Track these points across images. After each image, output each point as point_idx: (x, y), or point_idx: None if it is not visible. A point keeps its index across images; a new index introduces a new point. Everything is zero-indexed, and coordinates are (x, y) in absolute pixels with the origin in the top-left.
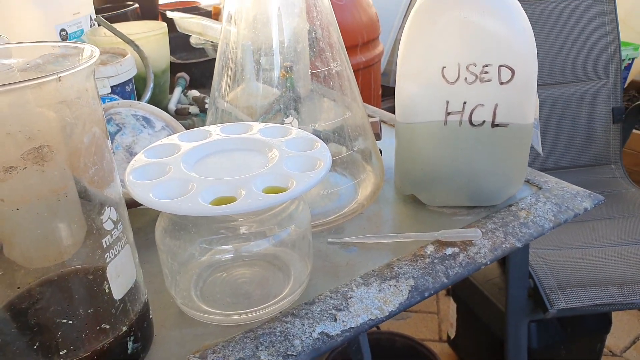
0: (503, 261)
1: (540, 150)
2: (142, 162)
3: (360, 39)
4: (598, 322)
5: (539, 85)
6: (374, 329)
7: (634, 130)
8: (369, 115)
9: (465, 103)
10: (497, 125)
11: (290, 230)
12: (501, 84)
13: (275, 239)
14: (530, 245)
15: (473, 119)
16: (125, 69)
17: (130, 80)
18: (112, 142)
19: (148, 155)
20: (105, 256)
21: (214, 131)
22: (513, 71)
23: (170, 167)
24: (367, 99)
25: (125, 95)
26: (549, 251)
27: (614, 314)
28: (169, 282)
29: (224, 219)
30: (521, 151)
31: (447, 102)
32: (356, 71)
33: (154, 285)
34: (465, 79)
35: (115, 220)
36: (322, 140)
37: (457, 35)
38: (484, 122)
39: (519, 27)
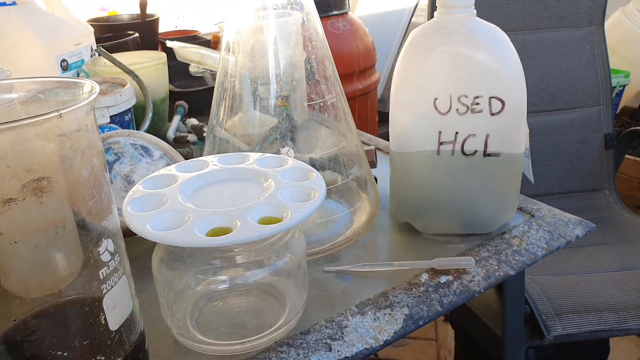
0: (500, 287)
1: (531, 178)
2: (139, 193)
3: (357, 66)
4: (596, 349)
5: (533, 112)
6: (372, 356)
7: (627, 156)
8: (364, 143)
9: (457, 133)
10: (489, 155)
11: (285, 259)
12: (492, 114)
13: (270, 269)
14: (527, 271)
15: (465, 148)
16: (125, 99)
17: (129, 109)
18: (110, 171)
19: (146, 186)
20: (102, 287)
21: (211, 161)
22: (503, 102)
23: (168, 197)
24: (364, 125)
25: (124, 125)
26: (545, 277)
27: (612, 339)
28: (165, 312)
29: (219, 249)
30: (513, 180)
31: (440, 132)
32: (353, 98)
33: (150, 314)
34: (457, 110)
35: (112, 251)
36: (318, 168)
37: (448, 68)
38: (475, 151)
39: (508, 60)
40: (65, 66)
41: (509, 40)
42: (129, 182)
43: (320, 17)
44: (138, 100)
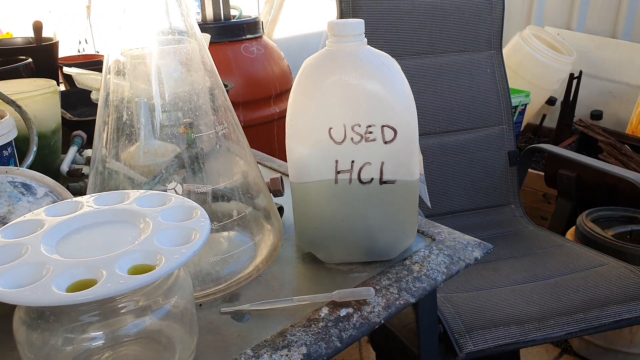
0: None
1: (428, 203)
2: None
3: (273, 90)
4: (508, 358)
5: (439, 133)
6: None
7: (531, 170)
8: (274, 170)
9: (353, 162)
10: (385, 182)
11: (169, 305)
12: (385, 142)
13: (152, 317)
14: (439, 289)
15: (362, 176)
16: (2, 132)
17: (9, 143)
18: None
19: (5, 235)
20: None
21: (86, 202)
22: (395, 131)
23: (28, 247)
24: (282, 149)
25: (2, 161)
26: (457, 295)
27: (524, 349)
28: None
29: (88, 303)
30: (410, 206)
31: (337, 161)
32: (271, 122)
33: None
34: (352, 138)
35: None
36: (221, 199)
37: (340, 97)
38: (372, 179)
39: (398, 88)
40: None
41: (399, 68)
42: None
43: (234, 41)
44: (22, 133)
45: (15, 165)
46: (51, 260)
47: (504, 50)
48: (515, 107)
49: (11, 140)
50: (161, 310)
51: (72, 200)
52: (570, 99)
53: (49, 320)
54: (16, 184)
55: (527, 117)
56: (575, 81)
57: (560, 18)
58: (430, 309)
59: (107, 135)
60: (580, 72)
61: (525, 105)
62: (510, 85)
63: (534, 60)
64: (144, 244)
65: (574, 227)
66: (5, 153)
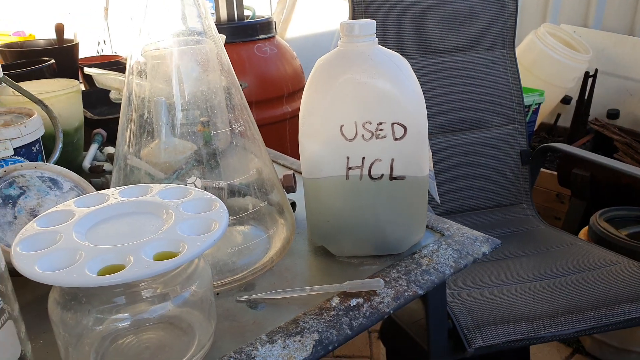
0: (425, 303)
1: (437, 199)
2: (32, 232)
3: (285, 90)
4: (517, 357)
5: (452, 132)
6: None
7: (543, 170)
8: (286, 167)
9: (364, 158)
10: (395, 178)
11: (189, 293)
12: (395, 139)
13: (174, 302)
14: (449, 286)
15: (372, 172)
16: (30, 130)
17: (37, 140)
18: (14, 206)
19: (40, 224)
20: None
21: (111, 194)
22: (405, 128)
23: (61, 235)
24: (295, 147)
25: (31, 157)
26: (467, 291)
27: (534, 347)
28: (64, 355)
29: (118, 286)
30: (419, 201)
31: (348, 157)
32: (283, 121)
33: (52, 356)
34: (363, 136)
35: None
36: (237, 194)
37: (351, 95)
38: (382, 175)
39: (408, 87)
40: None
41: (410, 67)
42: (35, 217)
43: (247, 41)
44: (48, 130)
45: (43, 161)
46: (83, 246)
47: (518, 49)
48: (529, 106)
49: (39, 138)
50: (182, 297)
51: (99, 193)
52: (586, 97)
53: (81, 302)
54: (44, 178)
55: (541, 117)
56: (590, 79)
57: (577, 15)
58: (440, 305)
59: (129, 134)
60: (596, 70)
61: (539, 104)
62: (524, 84)
63: (549, 59)
64: (168, 232)
65: (587, 226)
66: (34, 149)
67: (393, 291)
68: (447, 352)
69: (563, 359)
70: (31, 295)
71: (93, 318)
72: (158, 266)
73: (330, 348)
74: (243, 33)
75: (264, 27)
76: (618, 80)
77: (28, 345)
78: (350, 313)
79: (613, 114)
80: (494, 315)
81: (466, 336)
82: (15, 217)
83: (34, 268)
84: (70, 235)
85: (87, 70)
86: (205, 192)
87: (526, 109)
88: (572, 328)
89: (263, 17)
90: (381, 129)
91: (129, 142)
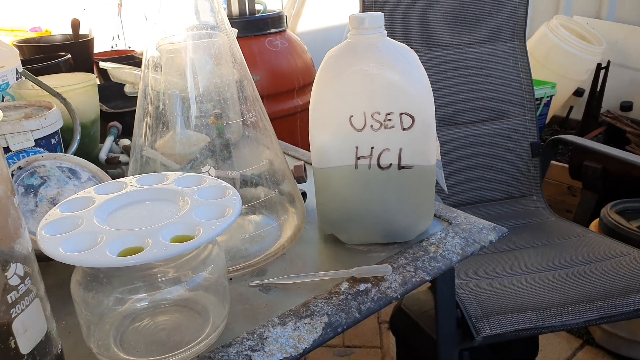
0: (435, 293)
1: (445, 188)
2: (55, 216)
3: (296, 83)
4: (526, 348)
5: (463, 124)
6: None
7: (555, 162)
8: (297, 159)
9: (372, 148)
10: (403, 168)
11: (204, 275)
12: (403, 129)
13: (189, 285)
14: (458, 276)
15: (381, 162)
16: (50, 122)
17: (56, 132)
18: (35, 195)
19: (62, 209)
20: (11, 312)
21: (129, 182)
22: (413, 118)
23: (83, 220)
24: (306, 139)
25: (50, 148)
26: (476, 281)
27: (544, 338)
28: (85, 333)
29: (137, 269)
30: (427, 190)
31: (357, 147)
32: (294, 114)
33: (73, 336)
34: (371, 126)
35: (21, 275)
36: (249, 184)
37: (360, 86)
38: (390, 164)
39: (415, 78)
40: None
41: (418, 59)
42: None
43: (258, 35)
44: (66, 122)
45: (62, 152)
46: (103, 230)
47: (530, 41)
48: (540, 98)
49: (58, 130)
50: (196, 280)
51: (118, 181)
52: (598, 89)
53: (102, 283)
54: (63, 168)
55: (553, 109)
56: (602, 72)
57: (590, 7)
58: (449, 294)
59: (145, 126)
60: (609, 62)
61: (551, 97)
62: (536, 77)
63: (561, 51)
64: (184, 217)
65: (598, 218)
66: (53, 141)
67: (401, 277)
68: (456, 340)
69: (573, 350)
70: (52, 281)
71: (113, 298)
72: (175, 248)
73: (339, 330)
74: (254, 27)
75: (275, 21)
76: (632, 72)
77: (53, 324)
78: (359, 297)
79: (627, 107)
80: (503, 305)
81: (474, 325)
82: (36, 206)
83: (58, 250)
84: (91, 220)
85: (102, 64)
86: (218, 180)
87: (538, 102)
88: (581, 318)
89: (274, 11)
90: (389, 119)
91: (145, 134)
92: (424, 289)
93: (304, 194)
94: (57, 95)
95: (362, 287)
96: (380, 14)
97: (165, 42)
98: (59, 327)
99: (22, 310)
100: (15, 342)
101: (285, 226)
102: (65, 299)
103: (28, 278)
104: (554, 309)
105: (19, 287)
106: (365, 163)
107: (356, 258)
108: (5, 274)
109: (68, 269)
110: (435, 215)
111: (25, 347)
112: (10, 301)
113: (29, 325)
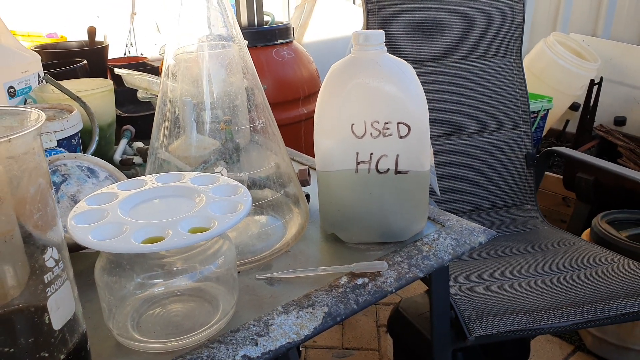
0: (430, 295)
1: (438, 192)
2: (83, 209)
3: (301, 93)
4: (518, 350)
5: (459, 134)
6: None
7: (550, 173)
8: (301, 164)
9: (372, 154)
10: (400, 172)
11: (215, 266)
12: (400, 137)
13: (201, 274)
14: (453, 279)
15: (379, 167)
16: (72, 124)
17: (76, 134)
18: (57, 192)
19: (89, 203)
20: (47, 290)
21: (149, 180)
22: (409, 127)
23: (108, 212)
24: (310, 147)
25: (71, 148)
26: (469, 284)
27: (536, 344)
28: (107, 316)
29: (155, 257)
30: (421, 194)
31: (357, 153)
32: (299, 122)
33: (93, 321)
34: (371, 133)
35: (56, 259)
36: (257, 186)
37: (362, 97)
38: (388, 169)
39: (412, 91)
40: (12, 92)
41: (414, 73)
42: (76, 202)
43: (266, 46)
44: (85, 125)
45: (81, 153)
46: (128, 221)
47: (528, 57)
48: (537, 112)
49: (78, 131)
50: (207, 270)
51: (139, 178)
52: (591, 104)
53: (125, 269)
54: (83, 168)
55: (550, 122)
56: (595, 87)
57: (586, 25)
58: (443, 295)
59: (162, 130)
60: (601, 79)
61: (548, 110)
62: (534, 91)
63: (557, 67)
64: (200, 211)
65: (589, 228)
66: (73, 142)
67: (395, 273)
68: (449, 340)
69: (565, 355)
70: (74, 270)
71: (135, 283)
72: (194, 237)
73: (338, 319)
74: (262, 38)
75: (282, 33)
76: (625, 88)
77: (79, 306)
78: (357, 290)
79: (620, 121)
80: (495, 307)
81: (467, 325)
82: (58, 202)
83: (88, 237)
84: (116, 212)
85: (117, 70)
86: (230, 179)
87: (535, 115)
88: (569, 321)
89: (282, 22)
90: (387, 128)
91: (162, 137)
92: (421, 293)
93: (307, 196)
94: (77, 99)
95: (359, 281)
96: (381, 32)
97: (181, 52)
98: None
99: (56, 290)
100: (49, 319)
101: (290, 225)
102: (85, 287)
103: (61, 261)
104: (544, 312)
105: (54, 269)
106: (365, 168)
107: (355, 255)
108: (43, 256)
109: (85, 261)
110: (429, 218)
111: (57, 323)
112: (46, 281)
113: (61, 304)
